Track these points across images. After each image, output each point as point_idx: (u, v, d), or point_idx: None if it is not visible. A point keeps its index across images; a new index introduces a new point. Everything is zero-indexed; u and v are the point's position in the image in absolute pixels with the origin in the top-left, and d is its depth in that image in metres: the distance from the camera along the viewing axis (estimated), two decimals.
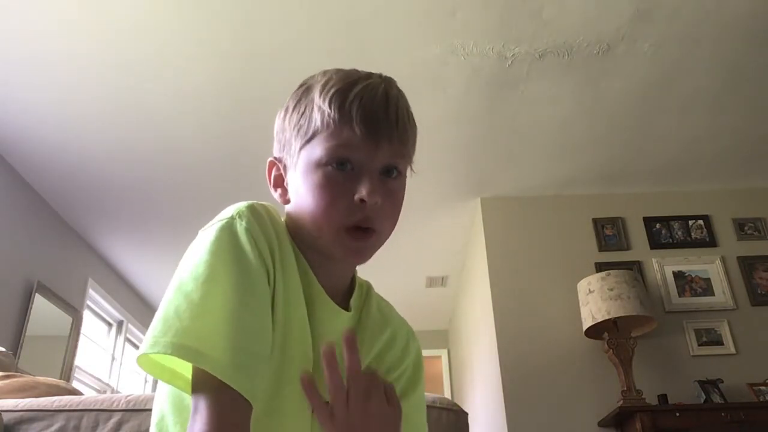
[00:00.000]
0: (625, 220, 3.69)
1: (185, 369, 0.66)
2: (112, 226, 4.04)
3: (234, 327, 0.63)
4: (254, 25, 2.53)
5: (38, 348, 3.54)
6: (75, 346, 3.92)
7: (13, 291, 3.39)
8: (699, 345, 3.29)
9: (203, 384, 0.62)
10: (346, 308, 0.81)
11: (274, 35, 2.59)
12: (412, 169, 0.81)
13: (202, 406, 0.61)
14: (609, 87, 2.94)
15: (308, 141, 0.74)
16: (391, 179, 0.75)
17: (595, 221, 3.68)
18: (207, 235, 0.71)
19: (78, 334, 3.98)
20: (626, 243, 3.61)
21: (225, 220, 0.72)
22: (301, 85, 0.80)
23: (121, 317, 4.75)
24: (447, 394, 5.52)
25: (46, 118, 3.02)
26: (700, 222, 3.66)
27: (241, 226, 0.70)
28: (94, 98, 2.89)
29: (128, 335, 4.88)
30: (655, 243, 3.61)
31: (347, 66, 0.82)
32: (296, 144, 0.76)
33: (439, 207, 3.90)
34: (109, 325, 4.74)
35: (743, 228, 3.64)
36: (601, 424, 3.07)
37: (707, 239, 3.61)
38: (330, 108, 0.72)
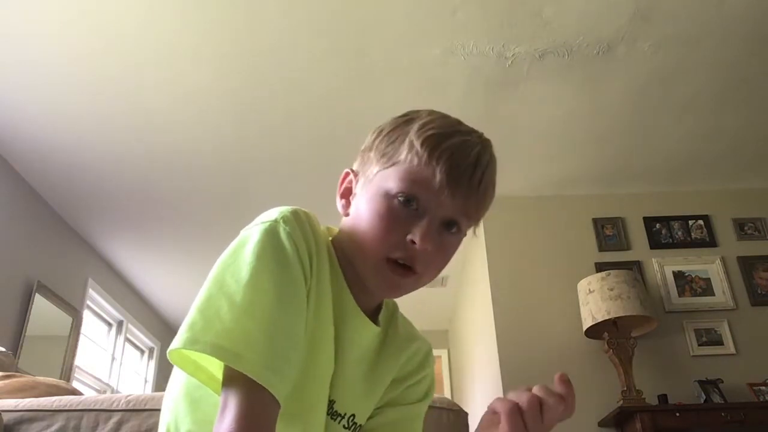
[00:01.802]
0: (625, 220, 3.69)
1: (210, 364, 0.67)
2: (112, 226, 4.04)
3: (273, 332, 0.64)
4: (254, 26, 2.53)
5: (38, 348, 3.54)
6: (75, 346, 3.92)
7: (13, 291, 3.39)
8: (699, 345, 3.29)
9: (235, 382, 0.62)
10: (375, 323, 0.82)
11: (275, 36, 2.59)
12: (475, 233, 0.82)
13: (233, 403, 0.61)
14: (609, 87, 2.94)
15: (387, 167, 0.75)
16: (448, 233, 0.76)
17: (595, 221, 3.68)
18: (250, 236, 0.71)
19: (78, 334, 3.98)
20: (626, 243, 3.61)
21: (269, 223, 0.71)
22: (404, 115, 0.80)
23: (121, 317, 4.75)
24: (447, 394, 5.51)
25: (46, 118, 3.02)
26: (700, 222, 3.66)
27: (284, 231, 0.70)
28: (94, 99, 2.89)
29: (128, 335, 4.88)
30: (655, 243, 3.61)
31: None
32: (376, 166, 0.77)
33: None
34: (109, 325, 4.74)
35: (743, 228, 3.64)
36: (601, 424, 3.07)
37: (707, 239, 3.61)
38: (421, 148, 0.73)
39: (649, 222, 3.67)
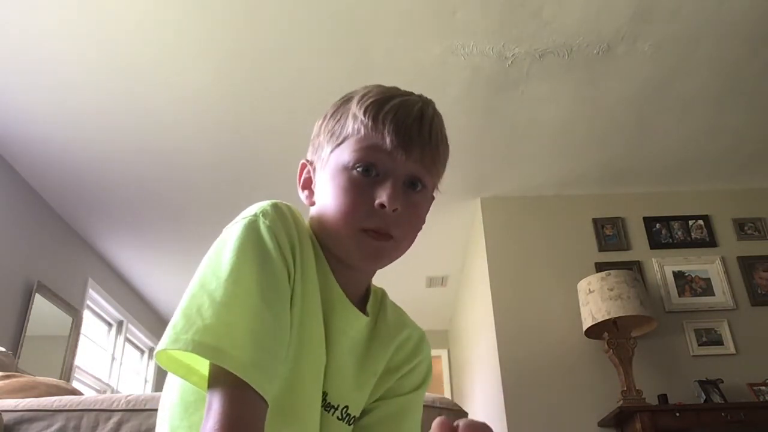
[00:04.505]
0: (625, 220, 3.69)
1: (201, 365, 0.66)
2: (112, 226, 4.04)
3: (255, 326, 0.64)
4: (255, 25, 2.53)
5: (38, 348, 3.54)
6: (75, 346, 3.92)
7: (13, 291, 3.39)
8: (699, 345, 3.29)
9: (219, 381, 0.61)
10: (363, 313, 0.82)
11: (275, 35, 2.59)
12: (438, 189, 0.82)
13: (217, 402, 0.60)
14: (609, 87, 2.94)
15: (338, 145, 0.77)
16: (414, 192, 0.77)
17: (595, 221, 3.68)
18: (231, 233, 0.71)
19: (78, 334, 3.98)
20: (626, 243, 3.61)
21: (249, 218, 0.72)
22: (342, 97, 0.82)
23: (121, 317, 4.75)
24: (447, 394, 5.51)
25: (47, 118, 3.02)
26: (700, 222, 3.66)
27: (264, 225, 0.70)
28: (94, 98, 2.89)
29: (128, 335, 4.88)
30: (655, 243, 3.61)
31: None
32: (328, 147, 0.78)
33: (439, 207, 3.88)
34: (109, 325, 4.74)
35: (743, 228, 3.64)
36: (601, 424, 3.07)
37: (707, 239, 3.61)
38: (364, 116, 0.75)
39: (649, 222, 3.67)
